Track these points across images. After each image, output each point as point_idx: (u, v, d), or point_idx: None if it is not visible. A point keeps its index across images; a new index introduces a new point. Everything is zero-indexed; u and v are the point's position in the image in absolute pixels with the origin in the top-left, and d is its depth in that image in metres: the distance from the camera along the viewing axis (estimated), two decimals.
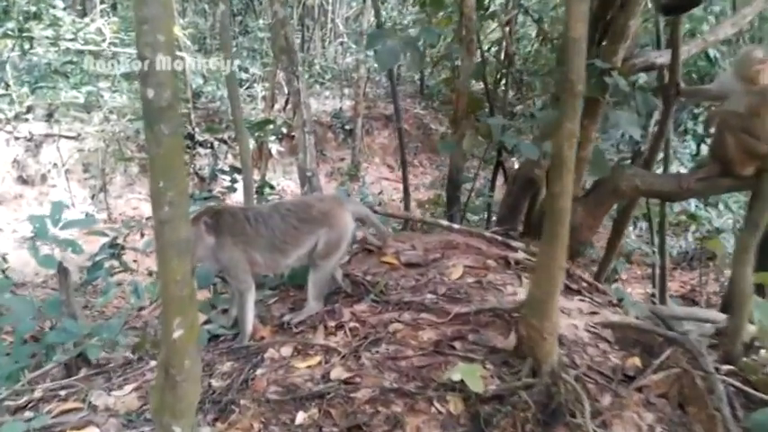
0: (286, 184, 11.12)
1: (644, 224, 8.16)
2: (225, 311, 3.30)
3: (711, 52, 7.24)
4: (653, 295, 7.03)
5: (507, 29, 5.70)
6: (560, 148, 1.96)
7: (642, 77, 4.43)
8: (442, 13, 4.11)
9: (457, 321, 2.78)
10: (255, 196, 5.59)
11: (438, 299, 3.01)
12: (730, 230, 8.35)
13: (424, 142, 13.68)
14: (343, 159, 12.87)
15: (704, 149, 5.86)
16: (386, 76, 8.74)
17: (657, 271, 5.00)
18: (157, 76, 1.35)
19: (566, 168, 1.97)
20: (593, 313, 2.84)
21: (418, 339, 2.69)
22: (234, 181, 4.86)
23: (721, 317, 4.48)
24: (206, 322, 3.15)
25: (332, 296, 3.20)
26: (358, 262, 3.56)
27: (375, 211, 3.97)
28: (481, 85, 5.64)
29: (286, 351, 2.74)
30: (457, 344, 2.61)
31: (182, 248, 1.47)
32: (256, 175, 8.52)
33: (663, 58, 4.01)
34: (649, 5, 4.11)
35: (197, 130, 11.03)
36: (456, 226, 3.94)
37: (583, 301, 3.12)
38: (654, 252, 5.90)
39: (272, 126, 5.85)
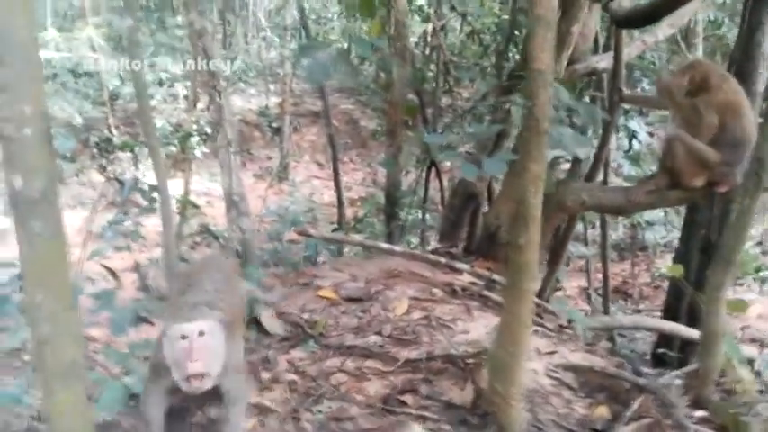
0: (213, 187, 10.50)
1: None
2: (147, 359, 2.91)
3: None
4: (587, 288, 7.07)
5: (438, 29, 5.46)
6: (525, 194, 1.71)
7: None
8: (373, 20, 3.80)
9: (406, 369, 2.52)
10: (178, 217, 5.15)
11: (384, 341, 2.73)
12: (660, 222, 8.56)
13: (354, 139, 13.36)
14: (270, 158, 12.36)
15: (635, 146, 5.84)
16: None
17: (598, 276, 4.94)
18: (26, 160, 0.99)
19: (531, 217, 1.72)
20: (552, 353, 2.64)
21: (364, 393, 2.41)
22: (153, 201, 4.40)
23: (666, 324, 4.47)
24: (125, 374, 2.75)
25: (265, 339, 2.86)
26: (293, 296, 3.23)
27: (309, 235, 3.64)
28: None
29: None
30: (408, 398, 2.35)
31: (68, 375, 1.11)
32: (180, 182, 7.97)
33: (604, 62, 3.88)
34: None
35: (115, 133, 10.26)
36: (398, 249, 3.67)
37: (536, 332, 2.93)
38: (586, 247, 5.89)
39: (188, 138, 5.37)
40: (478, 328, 2.82)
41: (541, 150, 1.68)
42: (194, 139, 8.57)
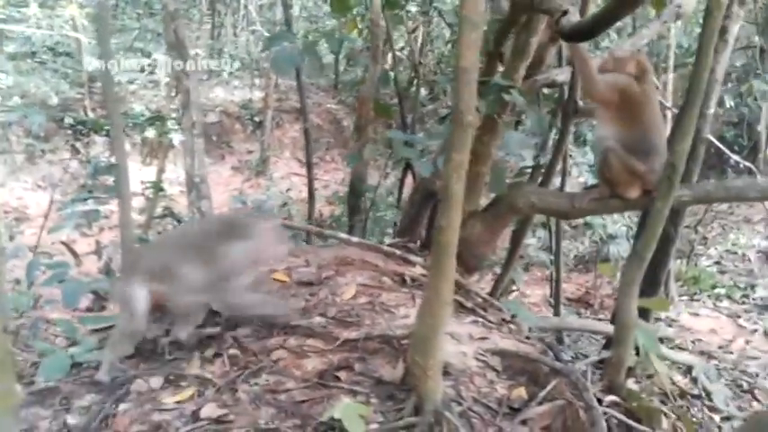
0: None
1: (543, 232, 8.42)
2: (95, 332, 3.01)
3: None
4: (550, 296, 7.25)
5: (414, 35, 5.62)
6: (448, 180, 1.86)
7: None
8: (348, 18, 3.94)
9: (344, 348, 2.64)
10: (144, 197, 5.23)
11: (327, 322, 2.86)
12: (623, 236, 8.79)
13: (337, 138, 13.48)
14: (250, 152, 12.44)
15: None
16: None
17: (553, 283, 5.11)
18: None
19: (453, 201, 1.87)
20: (483, 338, 2.79)
21: (302, 369, 2.53)
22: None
23: (606, 327, 4.65)
24: (71, 345, 2.85)
25: (213, 318, 2.97)
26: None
27: None
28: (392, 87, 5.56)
29: (156, 382, 2.50)
30: (342, 374, 2.48)
31: None
32: (153, 170, 8.03)
33: (564, 75, 4.05)
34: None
35: (91, 115, 10.28)
36: (354, 239, 3.81)
37: (475, 322, 3.08)
38: (551, 261, 6.05)
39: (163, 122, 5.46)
40: None
41: (465, 141, 1.82)
42: (171, 128, 8.62)
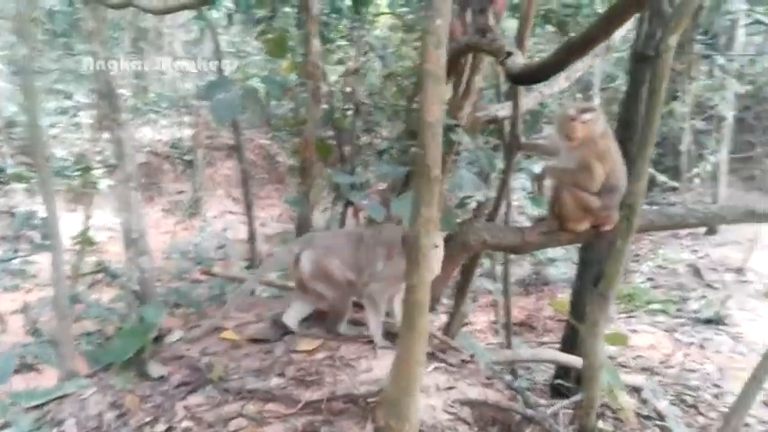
0: (117, 222, 10.09)
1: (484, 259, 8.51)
2: (33, 408, 2.73)
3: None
4: (495, 322, 7.29)
5: (348, 69, 5.60)
6: (417, 236, 1.78)
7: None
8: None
9: (308, 411, 2.50)
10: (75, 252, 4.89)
11: (287, 383, 2.70)
12: (562, 259, 9.03)
13: (271, 174, 13.26)
14: (181, 192, 12.03)
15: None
16: None
17: (505, 313, 5.12)
18: None
19: (422, 258, 1.79)
20: (450, 388, 2.71)
21: None
22: (47, 236, 4.17)
23: (562, 356, 4.69)
24: (2, 427, 2.57)
25: (161, 385, 2.76)
26: (194, 340, 3.13)
27: (213, 274, 3.56)
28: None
29: None
30: None
31: None
32: (80, 217, 7.56)
33: (504, 110, 4.11)
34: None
35: (9, 162, 9.65)
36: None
37: (438, 369, 2.99)
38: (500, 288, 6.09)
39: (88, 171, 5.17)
40: (382, 366, 2.84)
41: (433, 195, 1.76)
42: (98, 172, 8.21)
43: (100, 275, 5.78)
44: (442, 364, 3.08)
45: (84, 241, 4.28)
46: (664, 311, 7.76)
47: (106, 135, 10.61)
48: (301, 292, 3.16)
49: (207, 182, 12.25)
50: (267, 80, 3.22)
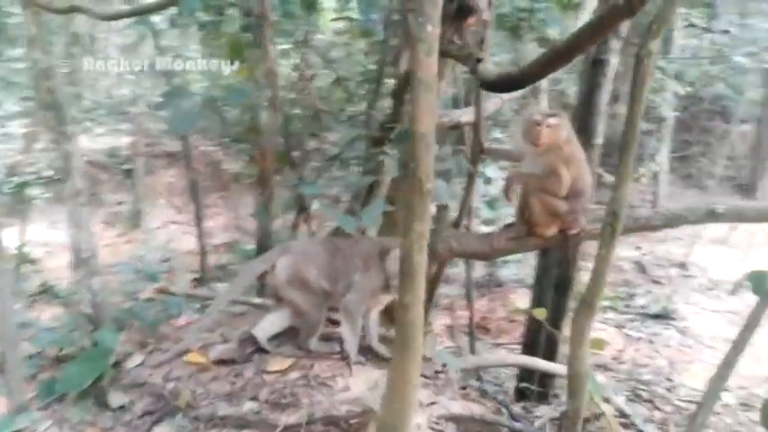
0: (54, 236, 9.52)
1: None
2: None
3: None
4: (451, 326, 7.30)
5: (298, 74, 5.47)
6: (410, 253, 1.70)
7: None
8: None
9: None
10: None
11: (261, 407, 2.56)
12: (514, 260, 9.13)
13: (216, 181, 12.86)
14: (121, 203, 11.51)
15: (492, 190, 6.22)
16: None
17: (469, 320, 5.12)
18: None
19: (417, 275, 1.71)
20: (433, 403, 2.63)
21: None
22: None
23: (527, 360, 4.71)
24: None
25: (123, 415, 2.57)
26: (156, 365, 2.94)
27: (171, 293, 3.37)
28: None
29: None
30: None
31: None
32: (13, 232, 7.10)
33: (467, 116, 4.07)
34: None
35: None
36: (270, 303, 3.50)
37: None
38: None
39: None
40: (359, 384, 2.75)
41: (425, 209, 1.69)
42: (33, 186, 7.73)
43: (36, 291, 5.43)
44: (422, 378, 3.01)
45: (22, 258, 3.96)
46: (612, 308, 7.95)
47: (39, 145, 10.04)
48: (275, 302, 3.06)
49: (148, 192, 11.77)
50: (230, 89, 3.06)
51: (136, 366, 2.95)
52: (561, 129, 3.13)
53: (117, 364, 2.93)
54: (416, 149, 1.65)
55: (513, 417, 2.58)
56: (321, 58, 6.32)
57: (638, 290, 8.34)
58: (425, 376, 3.11)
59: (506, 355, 4.99)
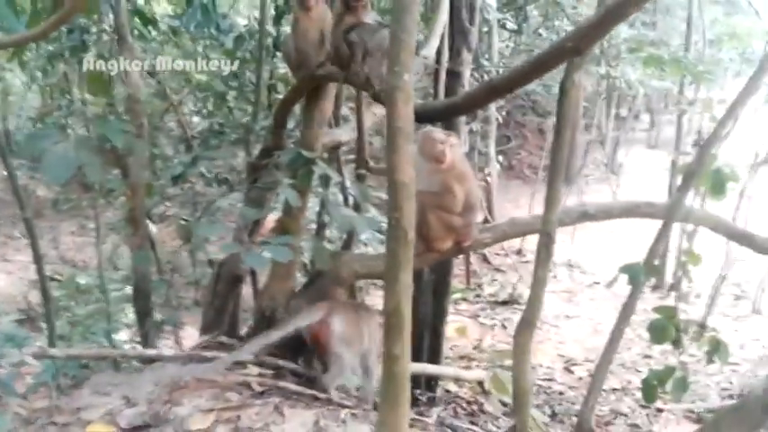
0: None
1: None
2: None
3: None
4: None
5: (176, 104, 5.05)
6: (397, 304, 1.67)
7: None
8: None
9: None
10: None
11: None
12: None
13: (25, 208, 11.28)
14: None
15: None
16: None
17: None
18: None
19: (405, 325, 1.69)
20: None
21: None
22: None
23: (414, 365, 4.87)
24: None
25: None
26: None
27: (51, 356, 2.91)
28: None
29: None
30: None
31: None
32: None
33: (347, 134, 4.09)
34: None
35: None
36: (167, 353, 3.21)
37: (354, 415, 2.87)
38: None
39: None
40: (296, 428, 2.63)
41: (410, 259, 1.67)
42: None
43: None
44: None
45: None
46: (464, 299, 8.46)
47: None
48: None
49: None
50: (105, 124, 2.71)
51: None
52: (459, 147, 3.28)
53: None
54: (398, 199, 1.62)
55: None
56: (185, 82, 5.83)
57: (483, 279, 8.96)
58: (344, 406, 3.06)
59: (439, 368, 5.15)
